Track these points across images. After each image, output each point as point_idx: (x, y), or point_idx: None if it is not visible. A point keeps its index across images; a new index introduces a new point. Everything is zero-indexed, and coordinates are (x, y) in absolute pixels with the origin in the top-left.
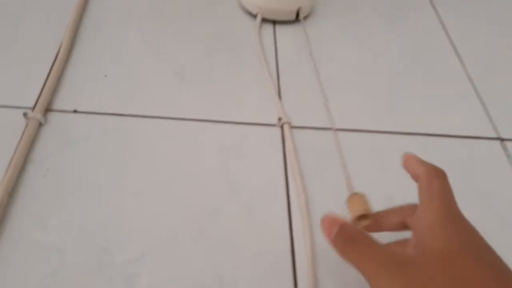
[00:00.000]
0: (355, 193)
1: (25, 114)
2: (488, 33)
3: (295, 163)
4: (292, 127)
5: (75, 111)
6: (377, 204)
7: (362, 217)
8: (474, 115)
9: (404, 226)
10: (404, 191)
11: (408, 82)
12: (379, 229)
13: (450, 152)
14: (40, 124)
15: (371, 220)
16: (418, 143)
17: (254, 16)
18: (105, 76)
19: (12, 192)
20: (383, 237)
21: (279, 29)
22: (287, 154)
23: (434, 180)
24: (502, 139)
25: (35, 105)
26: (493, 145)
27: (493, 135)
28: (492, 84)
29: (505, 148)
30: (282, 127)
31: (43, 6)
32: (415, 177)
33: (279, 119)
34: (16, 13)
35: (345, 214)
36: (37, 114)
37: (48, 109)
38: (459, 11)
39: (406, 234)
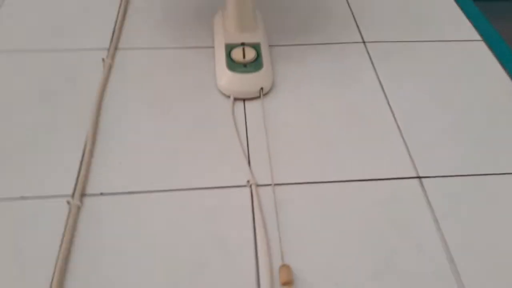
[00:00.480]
0: (283, 264)
1: (68, 202)
2: (417, 91)
3: (260, 219)
4: (258, 185)
5: (101, 194)
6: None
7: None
8: (399, 160)
9: None
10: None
11: (348, 136)
12: None
13: (379, 192)
14: (78, 208)
15: None
16: (355, 188)
17: (229, 97)
18: (120, 163)
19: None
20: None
21: (248, 104)
22: (255, 210)
23: None
24: (420, 177)
25: (73, 193)
26: (413, 183)
27: (413, 175)
28: (417, 135)
29: (422, 185)
30: (250, 187)
31: (66, 111)
32: None
33: (248, 181)
34: (44, 120)
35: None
36: (77, 201)
37: (82, 194)
38: (395, 75)
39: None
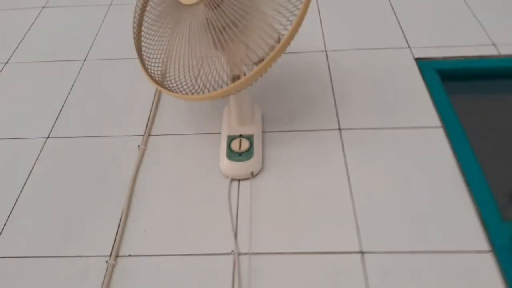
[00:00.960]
0: None
1: (106, 262)
2: (377, 174)
3: (237, 283)
4: (240, 254)
5: (129, 255)
6: None
7: None
8: (349, 236)
9: None
10: None
11: (314, 214)
12: None
13: (326, 265)
14: (113, 266)
15: None
16: (310, 260)
17: (227, 177)
18: (144, 231)
19: None
20: None
21: (242, 183)
22: (235, 275)
23: None
24: (363, 252)
25: (110, 254)
26: (355, 257)
27: (358, 250)
28: (368, 215)
29: (363, 260)
30: (234, 255)
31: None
32: None
33: (232, 250)
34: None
35: None
36: (112, 260)
37: (117, 255)
38: (361, 160)
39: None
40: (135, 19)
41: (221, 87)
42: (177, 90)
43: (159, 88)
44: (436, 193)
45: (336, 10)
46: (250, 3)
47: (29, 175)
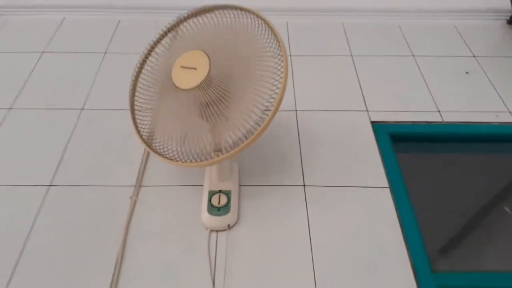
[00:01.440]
0: None
1: None
2: (334, 228)
3: None
4: None
5: None
6: None
7: None
8: (307, 285)
9: None
10: None
11: (277, 265)
12: None
13: None
14: None
15: None
16: None
17: (207, 229)
18: (135, 278)
19: None
20: None
21: (220, 234)
22: None
23: None
24: None
25: None
26: None
27: None
28: (324, 264)
29: None
30: None
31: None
32: None
33: None
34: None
35: None
36: None
37: None
38: (321, 214)
39: None
40: (133, 77)
41: (205, 157)
42: (163, 153)
43: (147, 148)
44: (380, 246)
45: (308, 73)
46: (233, 87)
47: (34, 222)
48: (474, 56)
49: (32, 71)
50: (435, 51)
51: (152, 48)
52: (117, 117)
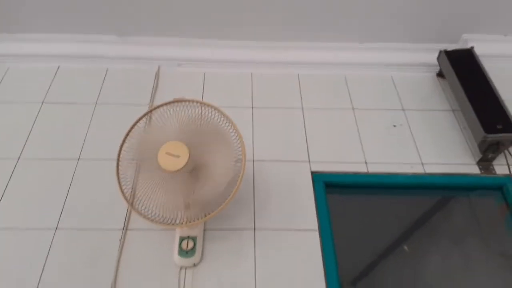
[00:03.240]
0: None
1: None
2: (274, 267)
3: None
4: None
5: None
6: None
7: None
8: None
9: None
10: None
11: None
12: None
13: None
14: None
15: None
16: None
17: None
18: None
19: None
20: None
21: (188, 271)
22: None
23: None
24: None
25: None
26: None
27: None
28: None
29: None
30: None
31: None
32: None
33: None
34: None
35: None
36: None
37: None
38: (264, 253)
39: None
40: (122, 142)
41: (176, 220)
42: (142, 212)
43: (129, 206)
44: (306, 282)
45: (265, 124)
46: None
47: (45, 262)
48: (403, 110)
49: (34, 123)
50: (372, 104)
51: (131, 127)
52: (109, 167)
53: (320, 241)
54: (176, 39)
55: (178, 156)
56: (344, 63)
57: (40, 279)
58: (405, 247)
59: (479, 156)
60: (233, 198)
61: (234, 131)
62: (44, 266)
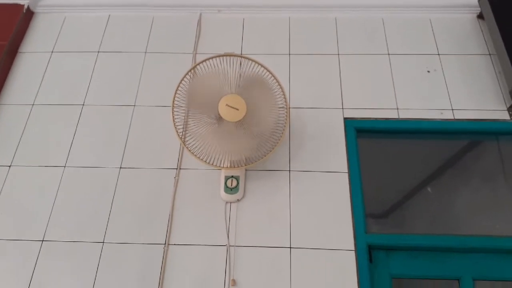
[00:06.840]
0: None
1: None
2: (307, 204)
3: None
4: (230, 246)
5: None
6: None
7: None
8: (284, 236)
9: None
10: None
11: (267, 224)
12: None
13: None
14: None
15: None
16: None
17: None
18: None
19: None
20: None
21: (233, 205)
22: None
23: None
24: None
25: None
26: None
27: (288, 245)
28: (299, 228)
29: None
30: (227, 248)
31: None
32: None
33: (225, 244)
34: None
35: None
36: None
37: None
38: (299, 192)
39: None
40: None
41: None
42: (193, 152)
43: (182, 144)
44: (335, 215)
45: (302, 72)
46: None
47: (113, 198)
48: (438, 54)
49: (93, 71)
50: (407, 49)
51: (184, 76)
52: (163, 112)
53: (349, 182)
54: None
55: (237, 109)
56: (382, 6)
57: (110, 211)
58: (429, 189)
59: (510, 102)
60: (279, 145)
61: (278, 85)
62: (112, 201)
